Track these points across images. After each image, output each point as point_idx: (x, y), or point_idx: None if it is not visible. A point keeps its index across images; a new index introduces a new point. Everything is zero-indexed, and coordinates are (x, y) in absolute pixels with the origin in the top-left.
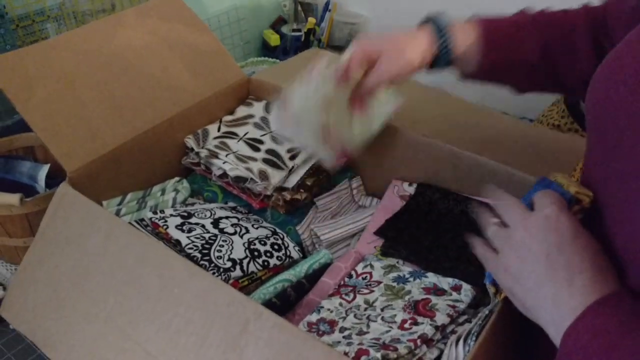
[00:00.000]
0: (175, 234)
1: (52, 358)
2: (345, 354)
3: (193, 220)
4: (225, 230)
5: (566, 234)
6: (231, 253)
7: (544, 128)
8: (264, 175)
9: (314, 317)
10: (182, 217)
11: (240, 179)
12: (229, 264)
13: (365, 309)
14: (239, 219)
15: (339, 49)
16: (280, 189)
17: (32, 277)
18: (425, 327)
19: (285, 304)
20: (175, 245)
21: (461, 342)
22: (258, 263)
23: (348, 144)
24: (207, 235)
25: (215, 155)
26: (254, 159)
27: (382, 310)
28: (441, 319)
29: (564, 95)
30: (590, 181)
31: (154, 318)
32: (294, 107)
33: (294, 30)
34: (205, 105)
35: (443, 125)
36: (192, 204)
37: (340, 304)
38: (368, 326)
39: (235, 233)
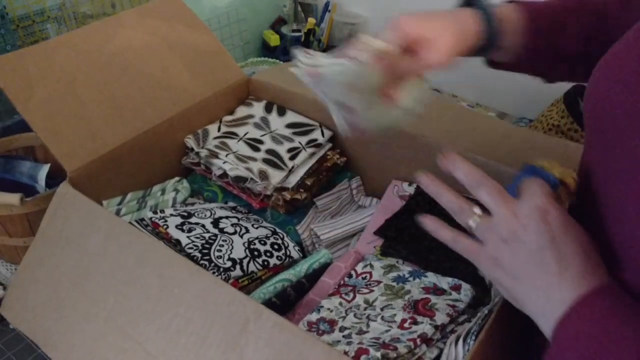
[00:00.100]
0: (175, 233)
1: (52, 357)
2: (345, 353)
3: (193, 220)
4: (225, 230)
5: (557, 226)
6: (231, 253)
7: (542, 134)
8: (263, 175)
9: (313, 317)
10: (182, 216)
11: (240, 179)
12: (229, 264)
13: (365, 309)
14: (239, 219)
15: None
16: (280, 188)
17: (33, 277)
18: (425, 327)
19: (285, 304)
20: (176, 244)
21: (460, 341)
22: (258, 263)
23: (368, 126)
24: (207, 235)
25: (215, 155)
26: (254, 159)
27: (381, 309)
28: (441, 318)
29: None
30: (589, 180)
31: (154, 318)
32: (323, 76)
33: (293, 31)
34: (205, 105)
35: (443, 126)
36: (192, 204)
37: (340, 304)
38: (368, 325)
39: (235, 233)
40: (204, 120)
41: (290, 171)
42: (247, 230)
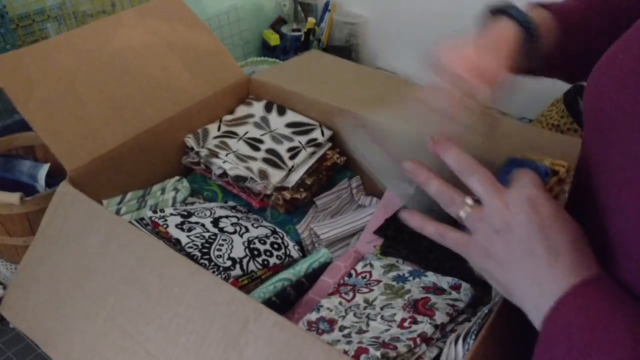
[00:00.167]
0: (175, 233)
1: (52, 357)
2: (345, 352)
3: (193, 219)
4: (225, 229)
5: (548, 216)
6: (231, 252)
7: (543, 129)
8: (263, 175)
9: (313, 316)
10: (182, 216)
11: (240, 178)
12: (228, 263)
13: (365, 308)
14: (238, 218)
15: (339, 49)
16: (280, 188)
17: (32, 276)
18: (425, 326)
19: (285, 303)
20: (175, 244)
21: (460, 340)
22: (258, 262)
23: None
24: (207, 235)
25: (215, 155)
26: (254, 159)
27: (381, 309)
28: (440, 317)
29: None
30: (586, 178)
31: (154, 317)
32: (393, 147)
33: (293, 30)
34: (205, 104)
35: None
36: (192, 203)
37: (340, 303)
38: (367, 325)
39: (235, 232)
40: (204, 120)
41: (290, 170)
42: (247, 230)
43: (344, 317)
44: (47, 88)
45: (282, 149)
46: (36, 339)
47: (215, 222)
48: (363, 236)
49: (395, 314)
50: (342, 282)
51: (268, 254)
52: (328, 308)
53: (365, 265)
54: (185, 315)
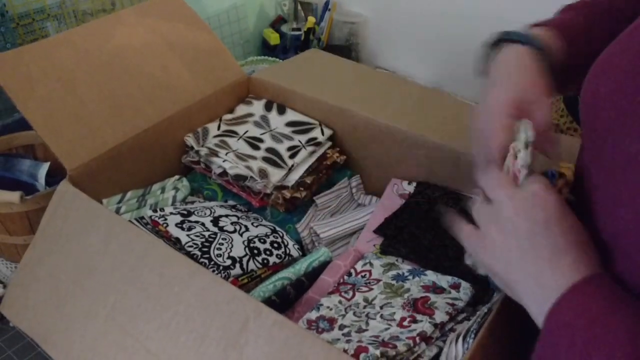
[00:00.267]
0: (175, 232)
1: (52, 356)
2: (345, 351)
3: (193, 218)
4: (225, 228)
5: (552, 213)
6: (231, 251)
7: None
8: (263, 174)
9: (313, 315)
10: (182, 215)
11: (240, 177)
12: (228, 262)
13: (365, 307)
14: (238, 217)
15: (339, 48)
16: (280, 187)
17: (33, 275)
18: (424, 325)
19: (285, 302)
20: (175, 243)
21: (460, 339)
22: (258, 261)
23: None
24: (206, 234)
25: (215, 154)
26: (254, 158)
27: (381, 308)
28: (440, 316)
29: None
30: (583, 175)
31: (154, 316)
32: None
33: (293, 30)
34: (205, 103)
35: (443, 125)
36: (192, 202)
37: (340, 302)
38: (367, 324)
39: (235, 231)
40: (203, 119)
41: (290, 169)
42: (247, 229)
43: (343, 316)
44: (47, 87)
45: (282, 148)
46: (36, 338)
47: (215, 221)
48: (363, 235)
49: (394, 313)
50: (341, 281)
51: (268, 253)
52: (328, 307)
53: (365, 264)
54: (185, 314)
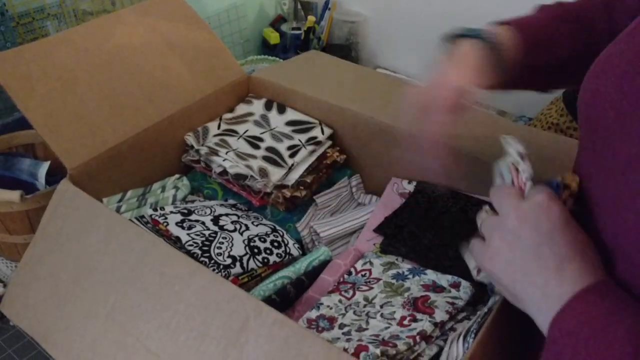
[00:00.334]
0: (175, 230)
1: (52, 355)
2: (345, 350)
3: (193, 217)
4: (225, 227)
5: (556, 223)
6: (231, 250)
7: (540, 130)
8: (263, 173)
9: (313, 314)
10: (182, 214)
11: (240, 177)
12: (228, 261)
13: (365, 306)
14: (238, 216)
15: (339, 47)
16: (280, 186)
17: (33, 274)
18: (425, 324)
19: (285, 301)
20: (176, 242)
21: (460, 339)
22: (258, 260)
23: None
24: (207, 232)
25: (215, 153)
26: (254, 157)
27: (381, 307)
28: (440, 315)
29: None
30: (582, 176)
31: (155, 315)
32: None
33: (293, 29)
34: (206, 102)
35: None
36: (192, 201)
37: (340, 301)
38: (367, 323)
39: (235, 230)
40: (204, 118)
41: (290, 169)
42: (247, 228)
43: (343, 315)
44: (47, 86)
45: (282, 147)
46: (36, 337)
47: (216, 220)
48: (363, 234)
49: (394, 312)
50: (342, 280)
51: (268, 252)
52: (328, 306)
53: (365, 263)
54: (185, 313)
